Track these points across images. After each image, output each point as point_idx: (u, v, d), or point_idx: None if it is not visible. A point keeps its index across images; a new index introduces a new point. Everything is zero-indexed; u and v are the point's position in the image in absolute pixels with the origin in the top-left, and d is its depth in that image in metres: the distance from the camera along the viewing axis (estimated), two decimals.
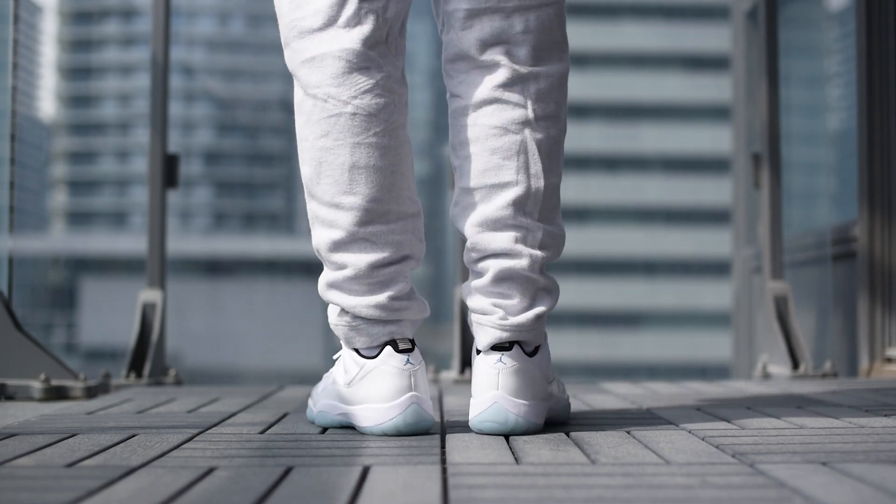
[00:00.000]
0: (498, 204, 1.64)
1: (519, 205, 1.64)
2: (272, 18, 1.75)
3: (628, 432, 1.62)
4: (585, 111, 47.64)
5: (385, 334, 1.66)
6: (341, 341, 1.72)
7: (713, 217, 50.77)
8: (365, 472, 1.29)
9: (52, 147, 68.42)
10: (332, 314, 1.72)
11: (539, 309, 1.66)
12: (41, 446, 1.53)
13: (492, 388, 1.62)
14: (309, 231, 1.72)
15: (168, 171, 3.06)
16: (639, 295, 50.43)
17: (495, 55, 1.66)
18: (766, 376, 3.05)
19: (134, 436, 1.64)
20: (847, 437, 1.54)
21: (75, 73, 68.66)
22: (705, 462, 1.33)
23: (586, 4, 48.16)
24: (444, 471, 1.29)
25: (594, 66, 47.82)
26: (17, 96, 2.84)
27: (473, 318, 1.68)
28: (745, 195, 4.83)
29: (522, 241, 1.65)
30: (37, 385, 2.40)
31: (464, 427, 1.72)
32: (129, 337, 2.94)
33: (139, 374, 2.85)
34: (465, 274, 3.11)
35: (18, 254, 2.77)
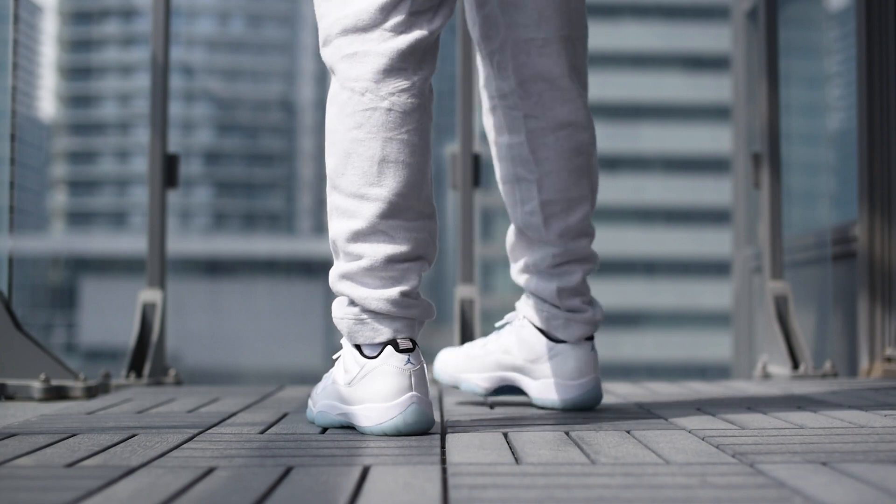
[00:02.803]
0: (578, 216, 1.96)
1: (589, 215, 1.98)
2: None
3: (628, 432, 1.62)
4: None
5: (390, 332, 1.67)
6: (344, 336, 1.72)
7: (713, 217, 50.78)
8: (365, 472, 1.29)
9: (52, 147, 68.46)
10: (339, 307, 1.71)
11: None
12: (41, 446, 1.53)
13: (591, 372, 1.97)
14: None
15: (168, 171, 3.06)
16: (639, 295, 50.43)
17: (571, 80, 1.93)
18: (766, 376, 3.05)
19: (134, 436, 1.64)
20: (847, 437, 1.54)
21: (75, 73, 68.70)
22: (705, 462, 1.33)
23: (586, 4, 48.12)
24: (444, 471, 1.29)
25: (594, 67, 47.58)
26: (17, 96, 2.84)
27: (561, 313, 1.97)
28: (745, 195, 4.83)
29: (592, 244, 2.01)
30: (37, 385, 2.40)
31: (464, 427, 1.72)
32: (129, 337, 2.94)
33: (139, 374, 2.85)
34: (466, 274, 3.11)
35: (18, 254, 2.77)
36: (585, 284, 2.00)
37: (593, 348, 2.00)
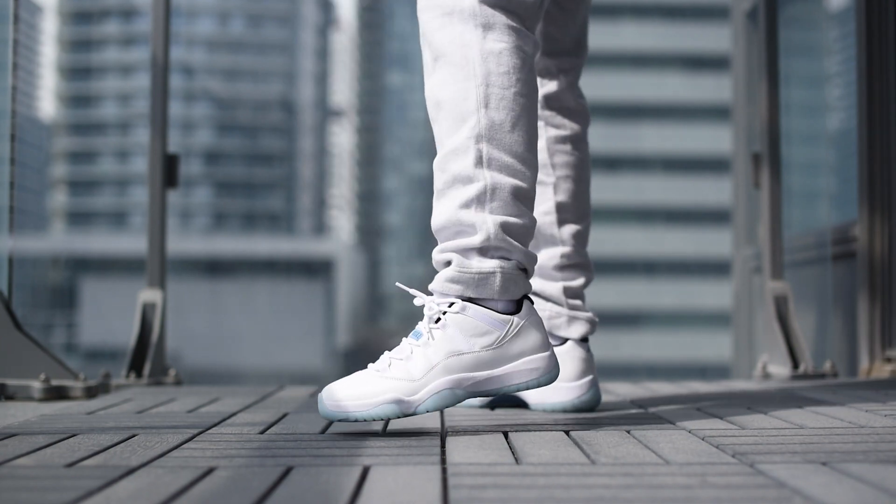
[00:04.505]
0: (585, 225, 2.08)
1: (589, 230, 2.11)
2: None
3: (628, 432, 1.62)
4: None
5: (525, 289, 1.73)
6: (476, 291, 1.67)
7: (713, 217, 50.77)
8: (365, 472, 1.29)
9: (52, 147, 68.47)
10: (480, 262, 1.68)
11: None
12: (41, 446, 1.53)
13: (590, 373, 2.00)
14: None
15: (168, 171, 3.06)
16: (639, 295, 50.43)
17: (582, 98, 2.11)
18: (766, 376, 3.05)
19: (134, 436, 1.64)
20: (847, 437, 1.54)
21: (75, 73, 68.71)
22: (705, 462, 1.33)
23: None
24: (444, 471, 1.29)
25: (594, 66, 47.84)
26: (17, 96, 2.84)
27: (564, 311, 2.02)
28: (745, 195, 4.83)
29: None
30: (37, 385, 2.41)
31: (464, 427, 1.72)
32: (129, 337, 2.94)
33: (139, 374, 2.85)
34: None
35: (18, 254, 2.77)
36: (583, 292, 2.07)
37: (589, 349, 2.02)
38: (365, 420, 1.65)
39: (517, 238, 1.70)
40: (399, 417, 1.66)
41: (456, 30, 1.71)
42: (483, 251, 1.68)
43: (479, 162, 1.68)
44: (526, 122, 1.72)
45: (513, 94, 1.71)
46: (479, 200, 1.68)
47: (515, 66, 1.71)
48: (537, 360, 1.70)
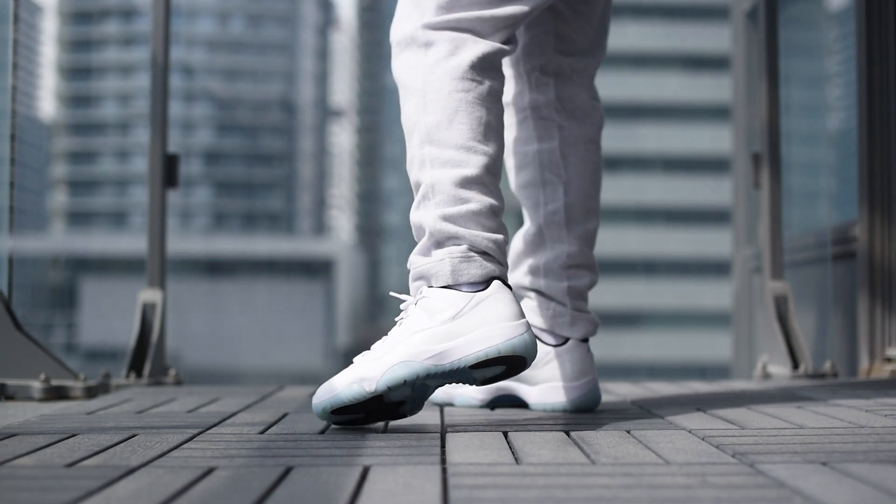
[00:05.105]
0: (593, 225, 2.10)
1: (597, 230, 2.12)
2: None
3: (628, 432, 1.62)
4: None
5: (495, 270, 1.73)
6: (434, 281, 1.72)
7: (713, 217, 50.78)
8: (365, 472, 1.29)
9: (52, 147, 68.53)
10: (435, 251, 1.74)
11: None
12: (41, 446, 1.53)
13: (591, 373, 2.00)
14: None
15: (168, 171, 3.06)
16: (639, 295, 50.44)
17: (597, 101, 2.15)
18: (766, 376, 3.05)
19: (134, 436, 1.64)
20: (847, 437, 1.54)
21: (75, 73, 68.75)
22: (705, 462, 1.33)
23: None
24: (444, 471, 1.29)
25: None
26: (17, 96, 2.84)
27: (568, 310, 2.03)
28: (745, 195, 4.83)
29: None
30: (37, 385, 2.41)
31: (464, 427, 1.72)
32: (129, 337, 2.94)
33: (139, 374, 2.85)
34: None
35: (18, 254, 2.77)
36: (587, 293, 2.08)
37: (589, 349, 2.02)
38: (339, 406, 1.70)
39: (461, 223, 1.73)
40: (366, 399, 1.68)
41: (405, 56, 1.82)
42: (438, 244, 1.75)
43: (423, 165, 1.76)
44: (467, 113, 1.75)
45: (447, 93, 1.76)
46: (425, 199, 1.76)
47: (451, 67, 1.77)
48: (495, 328, 1.68)
